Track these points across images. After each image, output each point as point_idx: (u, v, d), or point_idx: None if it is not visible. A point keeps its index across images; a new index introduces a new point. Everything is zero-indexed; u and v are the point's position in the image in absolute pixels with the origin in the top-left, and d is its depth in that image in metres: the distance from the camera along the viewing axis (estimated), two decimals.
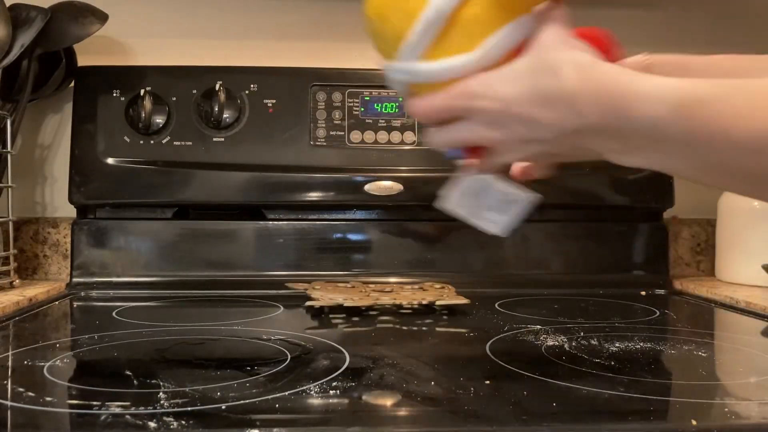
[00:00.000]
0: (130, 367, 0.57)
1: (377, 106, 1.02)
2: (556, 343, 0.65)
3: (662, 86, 0.43)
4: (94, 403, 0.46)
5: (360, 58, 1.04)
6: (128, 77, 1.00)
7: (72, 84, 1.03)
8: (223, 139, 0.99)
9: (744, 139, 0.40)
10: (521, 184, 0.66)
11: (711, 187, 0.59)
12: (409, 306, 0.83)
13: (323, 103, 1.01)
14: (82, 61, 1.03)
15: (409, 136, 1.01)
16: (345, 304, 0.80)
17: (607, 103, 0.45)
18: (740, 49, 0.56)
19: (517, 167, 0.63)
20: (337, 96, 1.01)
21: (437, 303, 0.83)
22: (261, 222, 1.00)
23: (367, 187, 0.98)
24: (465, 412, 0.47)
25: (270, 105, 1.00)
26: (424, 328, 0.74)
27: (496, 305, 0.86)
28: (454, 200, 0.68)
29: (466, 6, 0.54)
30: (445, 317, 0.80)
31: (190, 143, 0.98)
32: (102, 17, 0.98)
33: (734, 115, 0.40)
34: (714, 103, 0.41)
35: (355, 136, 1.01)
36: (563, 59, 0.47)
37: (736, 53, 0.57)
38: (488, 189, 0.70)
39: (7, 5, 0.92)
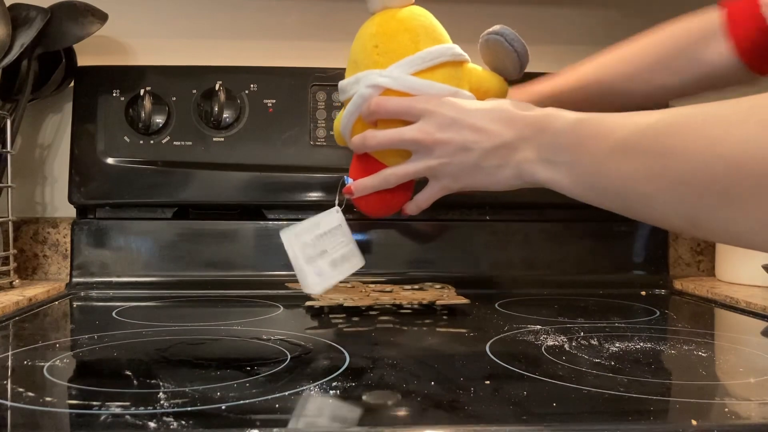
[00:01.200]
0: (130, 367, 0.57)
1: None
2: (556, 343, 0.65)
3: (571, 113, 0.59)
4: (94, 403, 0.46)
5: None
6: (128, 77, 1.00)
7: (72, 84, 1.03)
8: (223, 139, 0.99)
9: (610, 146, 0.53)
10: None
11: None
12: (409, 306, 0.83)
13: (323, 103, 1.01)
14: (82, 61, 1.03)
15: None
16: (345, 304, 0.80)
17: (537, 124, 0.60)
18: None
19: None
20: (337, 96, 1.01)
21: (437, 303, 0.83)
22: (261, 222, 1.00)
23: None
24: (465, 412, 0.47)
25: (270, 105, 1.00)
26: (424, 328, 0.74)
27: (496, 305, 0.86)
28: (298, 232, 0.70)
29: (463, 63, 0.71)
30: (445, 317, 0.80)
31: (190, 143, 0.98)
32: (102, 17, 0.98)
33: (608, 126, 0.54)
34: (597, 118, 0.56)
35: None
36: (533, 107, 0.63)
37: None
38: (336, 236, 0.72)
39: (7, 5, 0.92)
